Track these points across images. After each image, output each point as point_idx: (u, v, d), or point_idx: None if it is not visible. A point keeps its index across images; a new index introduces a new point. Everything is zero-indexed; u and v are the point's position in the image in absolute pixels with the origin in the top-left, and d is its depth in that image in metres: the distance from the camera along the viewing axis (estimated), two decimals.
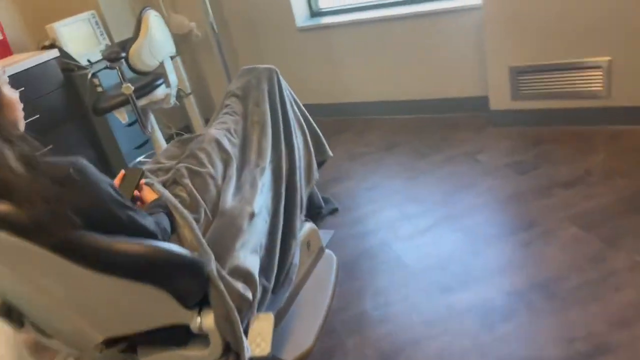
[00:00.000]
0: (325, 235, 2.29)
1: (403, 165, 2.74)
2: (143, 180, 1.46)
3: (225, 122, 1.87)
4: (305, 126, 2.15)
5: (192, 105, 3.56)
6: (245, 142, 1.82)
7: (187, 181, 1.53)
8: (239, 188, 1.59)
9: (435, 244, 2.09)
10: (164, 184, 1.57)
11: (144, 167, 1.66)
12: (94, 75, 2.91)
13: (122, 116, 2.71)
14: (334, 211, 2.47)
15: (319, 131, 2.26)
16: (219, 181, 1.58)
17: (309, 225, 2.02)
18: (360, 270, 2.05)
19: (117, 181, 1.48)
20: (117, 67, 2.47)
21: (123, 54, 2.44)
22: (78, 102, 2.99)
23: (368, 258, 2.10)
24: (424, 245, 2.10)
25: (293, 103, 2.12)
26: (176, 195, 1.50)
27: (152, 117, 2.87)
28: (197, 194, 1.50)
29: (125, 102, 2.61)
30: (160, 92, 2.74)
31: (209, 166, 1.60)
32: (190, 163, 1.60)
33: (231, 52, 3.61)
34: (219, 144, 1.68)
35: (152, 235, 1.19)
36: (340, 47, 3.30)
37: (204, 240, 1.31)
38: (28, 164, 1.05)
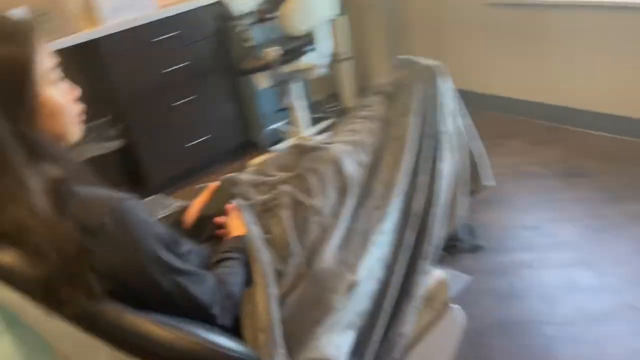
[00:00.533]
0: (457, 281, 1.82)
1: (586, 206, 2.09)
2: (231, 204, 1.16)
3: (358, 131, 1.47)
4: (464, 144, 1.65)
5: (346, 72, 3.19)
6: (375, 164, 1.41)
7: (287, 214, 1.18)
8: (347, 238, 1.20)
9: (606, 345, 1.51)
10: (262, 206, 1.25)
11: (246, 176, 1.35)
12: (246, 28, 2.67)
13: (262, 81, 2.45)
14: (477, 249, 1.96)
15: (484, 154, 1.74)
16: (326, 219, 1.21)
17: (437, 276, 1.57)
18: (491, 349, 1.57)
19: (206, 194, 1.19)
20: (265, 28, 2.17)
21: (273, 14, 2.13)
22: (227, 53, 2.80)
23: (506, 334, 1.61)
24: (590, 342, 1.53)
25: (457, 114, 1.63)
26: (268, 230, 1.17)
27: (295, 86, 2.56)
28: (294, 236, 1.15)
29: (267, 67, 2.34)
30: (309, 59, 2.41)
31: (318, 196, 1.23)
32: (296, 187, 1.25)
33: (403, 18, 3.11)
34: (339, 168, 1.30)
35: (203, 310, 0.88)
36: (541, 32, 2.61)
37: (276, 321, 0.97)
38: (57, 199, 0.78)
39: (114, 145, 2.61)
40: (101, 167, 2.57)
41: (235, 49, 2.77)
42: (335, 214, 1.23)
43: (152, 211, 1.35)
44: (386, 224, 1.27)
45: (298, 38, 2.30)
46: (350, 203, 1.26)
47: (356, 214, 1.26)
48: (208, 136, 2.84)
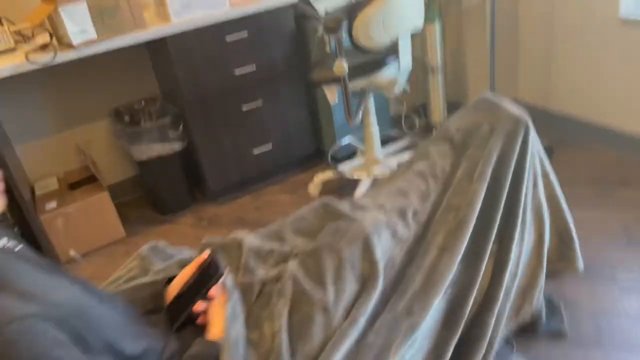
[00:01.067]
0: None
1: None
2: (213, 290, 0.93)
3: (406, 193, 1.16)
4: (546, 219, 1.28)
5: (436, 83, 2.83)
6: (419, 241, 1.10)
7: (285, 308, 0.93)
8: (358, 354, 0.92)
9: None
10: (262, 285, 1.01)
11: (254, 239, 1.12)
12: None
13: (331, 95, 2.19)
14: (558, 336, 1.57)
15: (572, 229, 1.35)
16: (335, 320, 0.94)
17: None
18: None
19: (193, 266, 0.98)
20: (335, 40, 1.91)
21: (343, 24, 1.85)
22: (304, 55, 2.57)
23: None
24: None
25: (539, 180, 1.26)
26: (257, 325, 0.93)
27: (369, 102, 2.27)
28: (287, 342, 0.90)
29: (337, 80, 2.07)
30: (385, 75, 2.10)
31: (329, 287, 0.96)
32: (307, 268, 0.99)
33: (509, 27, 2.66)
34: (367, 247, 1.02)
35: None
36: None
37: None
38: None
39: (176, 146, 2.51)
40: (163, 168, 2.52)
41: (313, 55, 2.53)
42: (349, 314, 0.95)
43: (152, 261, 1.16)
44: (417, 333, 0.97)
45: (374, 51, 2.00)
46: (373, 299, 0.97)
47: (378, 317, 0.98)
48: (275, 144, 2.65)
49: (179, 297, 0.94)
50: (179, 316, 0.92)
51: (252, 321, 0.94)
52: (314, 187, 2.55)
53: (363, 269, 0.99)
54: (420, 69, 2.85)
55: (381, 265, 1.00)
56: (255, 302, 0.98)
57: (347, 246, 1.00)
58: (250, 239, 1.09)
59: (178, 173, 2.59)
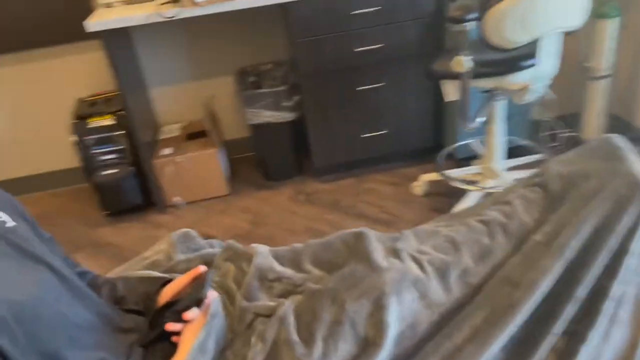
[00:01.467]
0: None
1: None
2: (190, 313, 0.84)
3: (459, 245, 0.94)
4: None
5: (597, 92, 2.36)
6: (458, 310, 0.88)
7: (258, 357, 0.81)
8: None
9: None
10: (254, 317, 0.90)
11: (267, 259, 0.99)
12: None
13: (450, 92, 1.93)
14: None
15: None
16: None
17: None
18: None
19: (184, 279, 0.90)
20: (460, 30, 1.64)
21: (471, 16, 1.58)
22: (439, 41, 2.30)
23: None
24: None
25: None
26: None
27: (497, 106, 1.96)
28: None
29: (457, 76, 1.80)
30: (518, 79, 1.77)
31: (318, 343, 0.81)
32: (299, 313, 0.85)
33: None
34: (378, 307, 0.84)
35: None
36: None
37: None
38: None
39: (288, 116, 2.46)
40: (273, 135, 2.51)
41: (448, 37, 2.26)
42: None
43: (178, 249, 1.12)
44: None
45: (509, 49, 1.68)
46: None
47: None
48: (390, 130, 2.47)
49: (164, 307, 0.88)
50: (154, 329, 0.86)
51: (229, 356, 0.84)
52: (418, 186, 2.34)
53: (367, 332, 0.82)
54: (580, 71, 2.39)
55: (391, 332, 0.82)
56: (243, 332, 0.87)
57: (353, 299, 0.83)
58: (262, 258, 0.97)
59: (287, 143, 2.56)
